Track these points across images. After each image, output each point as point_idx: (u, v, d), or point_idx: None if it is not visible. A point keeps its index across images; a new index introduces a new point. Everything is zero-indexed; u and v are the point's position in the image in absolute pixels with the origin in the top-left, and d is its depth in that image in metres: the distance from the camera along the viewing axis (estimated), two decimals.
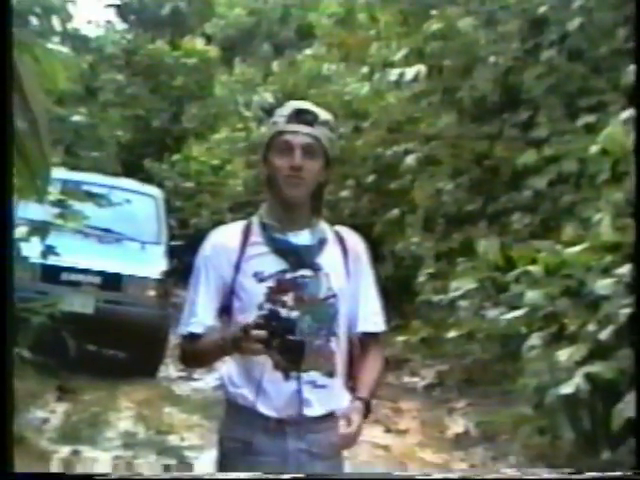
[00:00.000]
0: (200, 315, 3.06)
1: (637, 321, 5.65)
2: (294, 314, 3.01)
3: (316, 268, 3.05)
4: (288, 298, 3.01)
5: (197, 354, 3.13)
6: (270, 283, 3.02)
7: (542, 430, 7.28)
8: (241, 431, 3.03)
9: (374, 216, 13.46)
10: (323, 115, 3.09)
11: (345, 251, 3.12)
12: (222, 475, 3.07)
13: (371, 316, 3.15)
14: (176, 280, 11.49)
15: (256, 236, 3.07)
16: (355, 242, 3.17)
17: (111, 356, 11.23)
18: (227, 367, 3.09)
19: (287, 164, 3.01)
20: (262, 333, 2.87)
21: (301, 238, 3.06)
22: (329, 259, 3.08)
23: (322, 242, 3.09)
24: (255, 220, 3.11)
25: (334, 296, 3.06)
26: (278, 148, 3.04)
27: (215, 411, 8.86)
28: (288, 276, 3.03)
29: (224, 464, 3.08)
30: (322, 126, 3.07)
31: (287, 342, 2.93)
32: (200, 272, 3.09)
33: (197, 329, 3.06)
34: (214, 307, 3.07)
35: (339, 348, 3.08)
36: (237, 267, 3.04)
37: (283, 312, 3.00)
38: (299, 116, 3.05)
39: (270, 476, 2.94)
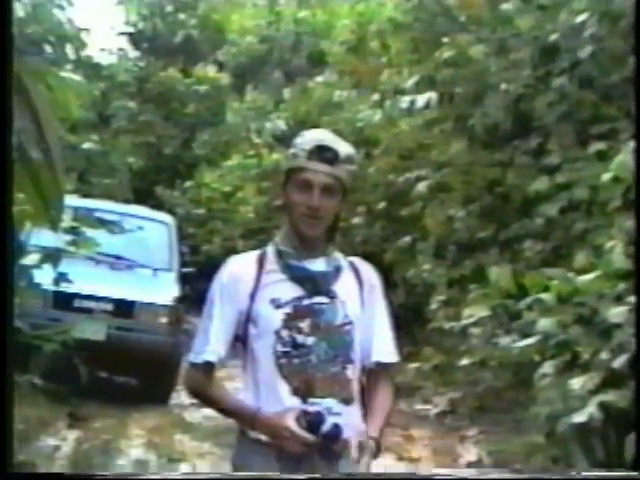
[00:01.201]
0: (214, 344, 3.06)
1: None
2: (310, 340, 3.01)
3: (332, 295, 3.07)
4: (304, 325, 3.03)
5: (208, 395, 3.12)
6: (287, 310, 3.03)
7: (555, 459, 7.24)
8: (254, 459, 3.02)
9: (385, 243, 13.45)
10: (344, 150, 3.08)
11: (360, 281, 3.14)
12: (223, 475, 3.06)
13: (385, 346, 3.15)
14: (188, 307, 11.50)
15: (272, 264, 3.08)
16: (369, 273, 3.19)
17: (122, 383, 11.22)
18: (243, 395, 3.09)
19: (305, 202, 3.02)
20: (311, 440, 2.92)
21: (317, 265, 3.08)
22: (344, 287, 3.10)
23: (338, 270, 3.10)
24: (270, 248, 3.12)
25: (350, 323, 3.07)
26: (297, 184, 3.04)
27: (227, 439, 8.83)
28: (305, 302, 3.04)
29: None
30: (343, 163, 3.06)
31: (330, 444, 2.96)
32: (215, 301, 3.08)
33: (211, 358, 3.06)
34: (228, 337, 3.07)
35: (355, 376, 3.08)
36: (253, 296, 3.04)
37: (299, 338, 3.01)
38: (320, 154, 3.03)
39: (273, 476, 2.93)
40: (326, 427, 2.94)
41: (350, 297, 3.09)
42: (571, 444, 6.54)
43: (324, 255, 3.10)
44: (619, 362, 6.24)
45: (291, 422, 2.92)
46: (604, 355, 6.45)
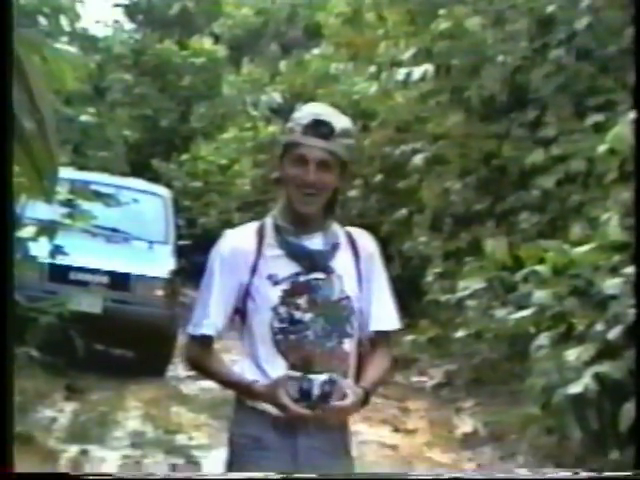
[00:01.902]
0: (212, 317, 3.05)
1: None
2: (307, 316, 3.02)
3: (329, 271, 3.06)
4: (302, 301, 3.02)
5: (206, 367, 3.13)
6: (284, 286, 3.02)
7: (550, 430, 7.27)
8: (251, 427, 3.03)
9: (382, 216, 13.46)
10: (341, 124, 3.05)
11: (356, 253, 3.13)
12: (228, 475, 3.07)
13: (385, 314, 3.16)
14: (184, 279, 11.51)
15: (270, 238, 3.07)
16: (366, 243, 3.18)
17: (119, 355, 11.25)
18: (240, 366, 3.10)
19: (300, 177, 3.00)
20: (302, 411, 2.93)
21: (315, 242, 3.07)
22: (342, 262, 3.09)
23: (335, 247, 3.09)
24: (269, 221, 3.11)
25: (347, 298, 3.07)
26: (292, 159, 3.02)
27: (223, 410, 8.88)
28: (302, 279, 3.03)
29: (234, 462, 3.08)
30: (339, 137, 3.03)
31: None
32: (214, 273, 3.07)
33: (209, 331, 3.06)
34: (227, 310, 3.07)
35: (352, 350, 3.10)
36: (254, 269, 3.04)
37: (297, 315, 3.01)
38: (316, 128, 3.01)
39: (278, 476, 2.95)
40: (317, 389, 2.95)
41: (347, 271, 3.09)
42: (566, 415, 6.56)
43: (322, 230, 3.08)
44: (614, 333, 6.26)
45: (285, 399, 2.92)
46: (599, 326, 6.47)
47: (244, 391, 3.04)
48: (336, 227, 3.14)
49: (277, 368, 3.00)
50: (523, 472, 6.90)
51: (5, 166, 2.23)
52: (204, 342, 3.08)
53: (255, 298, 3.04)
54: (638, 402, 5.30)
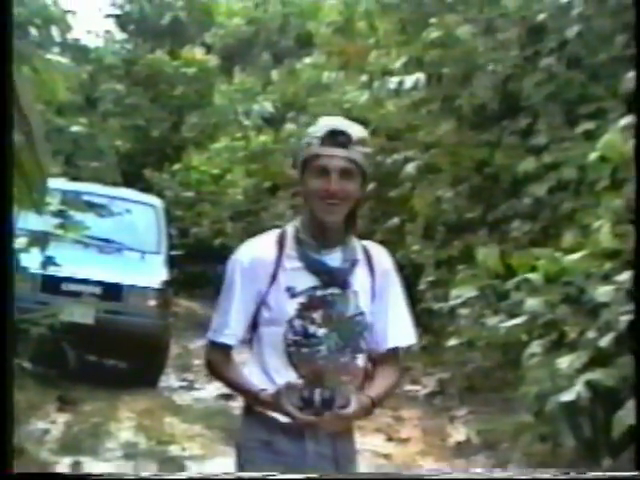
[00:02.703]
0: (233, 326, 3.08)
1: (637, 328, 5.64)
2: (321, 331, 3.04)
3: (346, 287, 3.08)
4: (317, 315, 3.05)
5: (222, 373, 3.14)
6: (301, 299, 3.04)
7: (543, 437, 7.27)
8: (260, 431, 3.06)
9: (374, 224, 13.44)
10: (357, 134, 3.07)
11: (372, 270, 3.14)
12: (224, 475, 3.07)
13: (401, 330, 3.19)
14: (176, 290, 11.50)
15: (290, 249, 3.08)
16: (382, 259, 3.19)
17: (111, 366, 11.22)
18: (248, 370, 3.11)
19: (323, 188, 3.01)
20: (311, 419, 2.93)
21: (334, 258, 3.08)
22: (359, 278, 3.11)
23: (354, 263, 3.11)
24: (290, 231, 3.12)
25: (361, 314, 3.09)
26: (314, 171, 3.03)
27: (217, 421, 8.88)
28: (318, 293, 3.05)
29: (245, 465, 3.08)
30: (357, 145, 3.05)
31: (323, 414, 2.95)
32: (235, 282, 3.08)
33: (230, 341, 3.09)
34: (247, 319, 3.09)
35: (366, 364, 3.14)
36: (273, 278, 3.05)
37: (311, 329, 3.03)
38: (333, 138, 3.03)
39: (276, 476, 2.95)
40: (318, 396, 2.94)
41: (363, 287, 3.11)
42: (559, 422, 6.56)
43: (342, 244, 3.09)
44: (606, 341, 6.27)
45: (289, 407, 2.92)
46: (591, 334, 6.48)
47: (252, 398, 3.06)
48: (355, 242, 3.15)
49: (286, 379, 3.01)
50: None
51: (3, 179, 2.22)
52: (224, 350, 3.11)
53: (272, 308, 3.05)
54: (638, 402, 5.30)
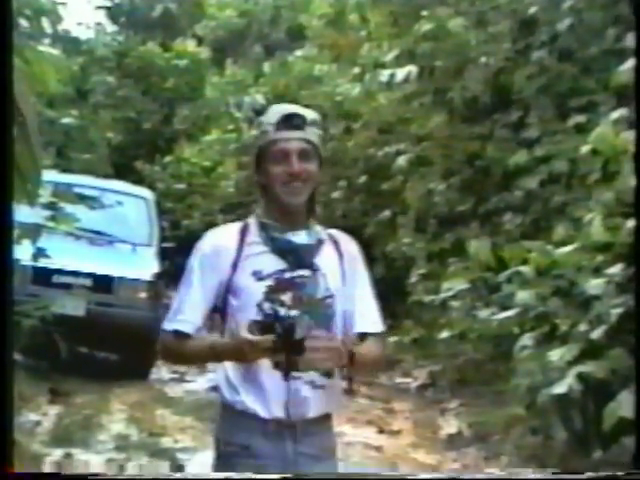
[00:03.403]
0: (187, 313, 3.05)
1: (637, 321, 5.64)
2: (293, 313, 3.01)
3: (314, 268, 3.07)
4: (287, 297, 3.02)
5: (183, 355, 3.12)
6: (269, 282, 3.02)
7: (534, 430, 7.29)
8: (238, 434, 3.02)
9: (366, 217, 13.47)
10: (310, 115, 3.10)
11: (340, 253, 3.14)
12: (220, 475, 3.06)
13: (369, 317, 3.16)
14: (168, 282, 11.47)
15: (254, 235, 3.08)
16: (349, 244, 3.19)
17: (103, 358, 11.21)
18: (223, 369, 3.09)
19: (285, 171, 3.02)
20: (269, 342, 2.88)
21: (299, 237, 3.08)
22: (326, 260, 3.10)
23: (320, 242, 3.11)
24: (252, 220, 3.12)
25: (331, 296, 3.08)
26: (273, 157, 3.04)
27: (208, 413, 8.86)
28: (287, 275, 3.03)
29: (221, 467, 3.07)
30: (312, 126, 3.07)
31: (290, 343, 2.89)
32: (193, 271, 3.07)
33: (183, 327, 3.05)
34: (205, 307, 3.06)
35: None
36: (235, 266, 3.04)
37: (282, 311, 3.01)
38: (288, 121, 3.04)
39: (268, 476, 2.94)
40: (279, 326, 2.92)
41: (331, 270, 3.09)
42: (550, 415, 6.58)
43: (305, 227, 3.10)
44: (597, 333, 6.27)
45: (247, 335, 2.90)
46: (583, 327, 6.48)
47: (211, 354, 3.03)
48: (318, 227, 3.15)
49: (261, 367, 2.99)
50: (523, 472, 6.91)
51: (3, 172, 2.22)
52: (177, 338, 3.06)
53: (239, 295, 3.03)
54: (638, 398, 5.30)
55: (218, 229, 3.16)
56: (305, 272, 3.05)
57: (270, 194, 3.07)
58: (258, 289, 3.01)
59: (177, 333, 3.06)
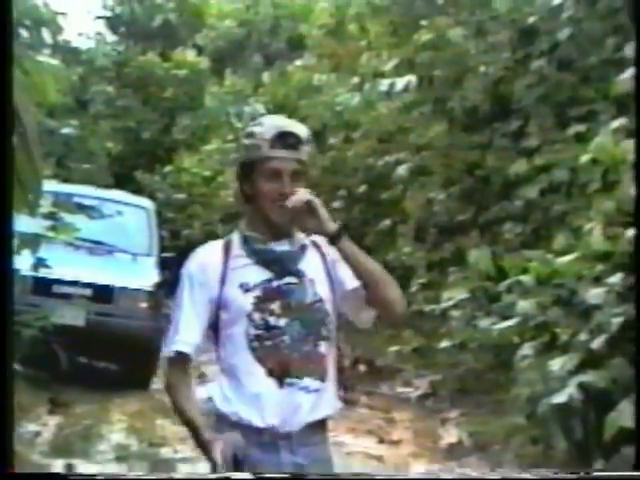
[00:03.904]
0: (183, 334, 3.04)
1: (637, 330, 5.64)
2: (282, 321, 3.02)
3: (300, 275, 3.08)
4: (275, 306, 3.03)
5: (177, 398, 3.08)
6: (256, 293, 3.03)
7: (535, 439, 7.28)
8: (234, 449, 3.02)
9: (366, 226, 13.46)
10: (304, 134, 3.09)
11: (324, 258, 3.15)
12: (220, 475, 3.06)
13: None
14: (168, 292, 11.46)
15: (238, 249, 3.09)
16: (329, 249, 3.18)
17: (103, 368, 11.20)
18: (217, 382, 3.09)
19: (276, 190, 3.03)
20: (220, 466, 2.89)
21: (282, 246, 3.09)
22: (311, 265, 3.11)
23: (303, 248, 3.12)
24: (236, 235, 3.13)
25: (320, 301, 3.09)
26: (265, 174, 3.04)
27: (208, 423, 8.83)
28: (274, 284, 3.05)
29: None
30: (305, 145, 3.07)
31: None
32: (184, 290, 3.09)
33: (183, 348, 3.04)
34: (200, 325, 3.06)
35: (328, 352, 3.10)
36: (222, 281, 3.05)
37: (271, 320, 3.02)
38: (283, 139, 3.04)
39: (268, 476, 2.94)
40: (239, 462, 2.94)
41: (317, 275, 3.11)
42: (551, 424, 6.57)
43: (287, 237, 3.11)
44: (598, 343, 6.27)
45: (217, 456, 2.90)
46: (583, 336, 6.48)
47: (193, 431, 3.03)
48: (301, 235, 3.15)
49: (255, 376, 3.00)
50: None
51: (3, 183, 2.21)
52: (179, 361, 3.06)
53: (228, 308, 3.04)
54: (638, 401, 5.30)
55: (202, 248, 3.17)
56: (291, 279, 3.07)
57: (256, 207, 3.09)
58: (247, 301, 3.02)
59: (179, 354, 3.05)
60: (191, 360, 3.07)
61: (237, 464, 2.92)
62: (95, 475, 4.67)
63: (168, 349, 3.07)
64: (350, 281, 3.12)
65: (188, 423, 3.05)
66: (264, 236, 3.08)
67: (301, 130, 3.09)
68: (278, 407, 3.00)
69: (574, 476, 3.47)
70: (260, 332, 3.02)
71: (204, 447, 2.96)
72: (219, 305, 3.05)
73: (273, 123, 3.10)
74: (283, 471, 3.00)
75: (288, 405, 3.00)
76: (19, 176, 2.30)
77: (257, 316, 3.02)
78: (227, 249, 3.09)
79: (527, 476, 6.17)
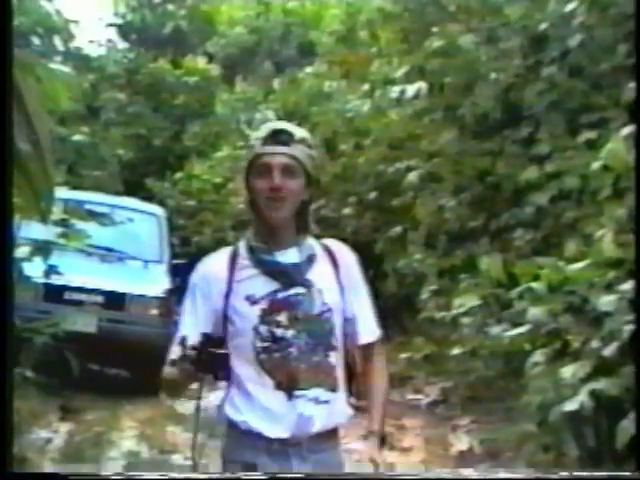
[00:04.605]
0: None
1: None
2: (290, 333, 3.01)
3: (308, 285, 3.06)
4: (282, 318, 3.02)
5: (170, 382, 3.14)
6: (263, 305, 3.02)
7: (546, 447, 7.25)
8: (244, 453, 3.02)
9: (376, 233, 13.44)
10: (299, 133, 3.10)
11: (335, 264, 3.13)
12: (231, 475, 3.06)
13: (368, 326, 3.15)
14: (178, 298, 11.47)
15: (244, 259, 3.08)
16: (345, 254, 3.18)
17: (114, 375, 11.21)
18: (227, 390, 3.09)
19: (267, 185, 3.03)
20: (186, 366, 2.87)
21: (289, 256, 3.07)
22: (320, 274, 3.09)
23: (311, 258, 3.10)
24: (242, 244, 3.12)
25: (329, 310, 3.07)
26: (257, 171, 3.06)
27: (219, 430, 8.84)
28: (280, 296, 3.03)
29: None
30: (299, 144, 3.07)
31: (213, 356, 2.87)
32: (187, 300, 3.10)
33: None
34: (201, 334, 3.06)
35: (338, 362, 3.08)
36: (227, 293, 3.04)
37: (278, 332, 3.01)
38: (275, 137, 3.06)
39: (280, 476, 2.94)
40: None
41: (326, 284, 3.09)
42: (563, 432, 6.55)
43: (295, 245, 3.09)
44: (610, 350, 6.25)
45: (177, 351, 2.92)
46: (595, 343, 6.46)
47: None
48: (311, 241, 3.14)
49: (264, 388, 3.00)
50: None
51: (4, 188, 2.22)
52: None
53: (234, 321, 3.03)
54: (637, 403, 5.30)
55: (208, 257, 3.17)
56: (299, 290, 3.05)
57: (256, 210, 3.09)
58: (253, 313, 3.01)
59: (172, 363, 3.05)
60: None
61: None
62: (95, 475, 4.68)
63: (170, 357, 3.07)
64: (363, 335, 3.14)
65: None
66: (269, 245, 3.06)
67: (296, 129, 3.11)
68: (288, 420, 2.99)
69: (574, 476, 3.46)
70: (267, 344, 3.01)
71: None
72: (225, 317, 3.04)
73: (268, 125, 3.16)
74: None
75: (298, 417, 2.99)
76: (31, 183, 2.31)
77: (263, 328, 3.01)
78: (233, 259, 3.08)
79: (519, 476, 6.16)
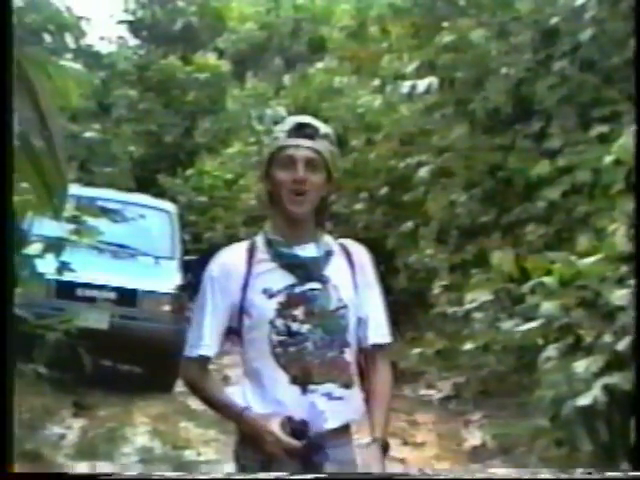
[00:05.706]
0: (207, 338, 3.06)
1: None
2: (305, 327, 3.01)
3: (324, 280, 3.06)
4: (299, 312, 3.02)
5: (202, 389, 3.12)
6: (280, 298, 3.02)
7: (559, 442, 7.24)
8: (259, 454, 3.02)
9: (388, 229, 13.44)
10: (323, 128, 3.10)
11: (351, 263, 3.13)
12: (248, 475, 3.06)
13: (380, 328, 3.16)
14: (190, 295, 11.50)
15: (262, 253, 3.07)
16: (360, 254, 3.18)
17: (126, 371, 11.24)
18: (241, 384, 3.09)
19: (290, 178, 3.02)
20: (295, 446, 2.91)
21: (307, 251, 3.07)
22: (336, 271, 3.09)
23: (328, 254, 3.10)
24: (260, 237, 3.11)
25: (344, 307, 3.07)
26: (280, 163, 3.05)
27: (231, 425, 8.86)
28: (297, 290, 3.03)
29: None
30: (323, 139, 3.07)
31: (312, 450, 2.95)
32: (206, 294, 3.08)
33: (206, 352, 3.07)
34: (220, 330, 3.07)
35: (353, 358, 3.09)
36: (245, 287, 3.04)
37: (294, 326, 3.01)
38: (300, 130, 3.06)
39: (268, 476, 2.94)
40: (310, 438, 2.94)
41: (342, 281, 3.09)
42: (576, 427, 6.54)
43: (314, 240, 3.09)
44: (622, 344, 6.24)
45: (275, 427, 2.92)
46: (607, 338, 6.45)
47: (234, 417, 3.03)
48: (328, 238, 3.15)
49: (279, 382, 3.00)
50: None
51: (6, 182, 2.23)
52: (201, 363, 3.09)
53: (251, 314, 3.03)
54: (637, 402, 5.29)
55: (226, 250, 3.15)
56: (315, 285, 3.04)
57: (276, 202, 3.08)
58: (270, 306, 3.01)
59: (201, 358, 3.08)
60: (209, 362, 3.10)
61: (300, 436, 2.93)
62: (96, 474, 4.69)
63: (192, 352, 3.08)
64: (374, 336, 3.13)
65: (225, 409, 3.06)
66: (288, 238, 3.07)
67: (320, 125, 3.11)
68: (302, 414, 2.99)
69: (576, 475, 3.46)
70: (283, 338, 3.01)
71: (255, 427, 2.96)
72: (242, 310, 3.04)
73: (293, 118, 3.16)
74: (308, 472, 3.00)
75: (311, 412, 3.00)
76: (45, 180, 2.32)
77: (280, 322, 3.01)
78: (251, 252, 3.08)
79: (532, 476, 6.15)
